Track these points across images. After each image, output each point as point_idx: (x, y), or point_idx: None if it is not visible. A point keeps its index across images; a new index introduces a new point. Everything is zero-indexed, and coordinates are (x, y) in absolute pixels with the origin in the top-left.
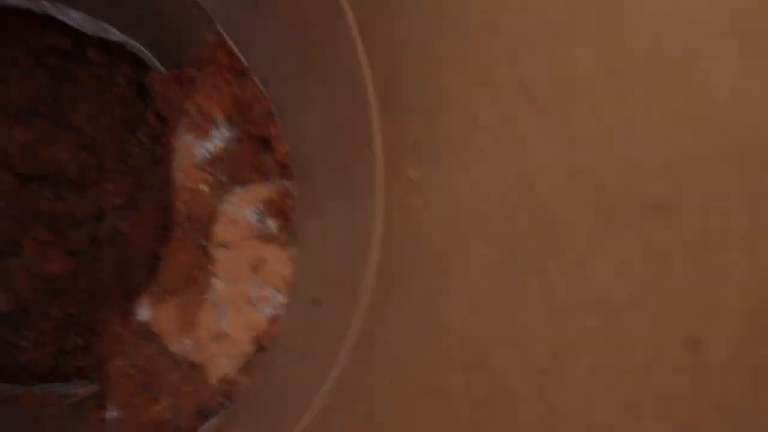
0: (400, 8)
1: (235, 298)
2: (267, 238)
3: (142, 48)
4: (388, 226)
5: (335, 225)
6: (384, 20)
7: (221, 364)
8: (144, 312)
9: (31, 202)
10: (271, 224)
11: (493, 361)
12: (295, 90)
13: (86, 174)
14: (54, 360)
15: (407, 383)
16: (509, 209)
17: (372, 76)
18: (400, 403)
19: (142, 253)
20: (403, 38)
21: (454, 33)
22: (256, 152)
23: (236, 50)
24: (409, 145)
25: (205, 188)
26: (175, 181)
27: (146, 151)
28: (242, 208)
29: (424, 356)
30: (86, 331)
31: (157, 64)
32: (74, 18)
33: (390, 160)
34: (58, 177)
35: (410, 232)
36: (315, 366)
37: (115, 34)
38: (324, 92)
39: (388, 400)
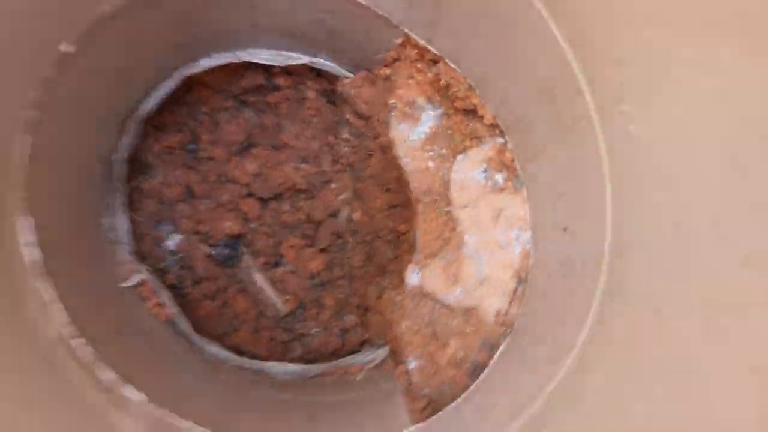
0: None
1: (487, 246)
2: (498, 190)
3: (326, 62)
4: (612, 153)
5: (558, 164)
6: None
7: (492, 303)
8: (414, 278)
9: (278, 218)
10: (498, 177)
11: None
12: (492, 64)
13: (311, 182)
14: (340, 339)
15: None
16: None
17: (565, 35)
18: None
19: (379, 233)
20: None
21: None
22: (465, 122)
23: (425, 44)
24: (615, 87)
25: (430, 164)
26: (403, 166)
27: (355, 147)
28: (469, 172)
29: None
30: (357, 309)
31: (343, 71)
32: (263, 57)
33: (600, 102)
34: (290, 191)
35: (634, 154)
36: (579, 282)
37: (299, 59)
38: (523, 61)
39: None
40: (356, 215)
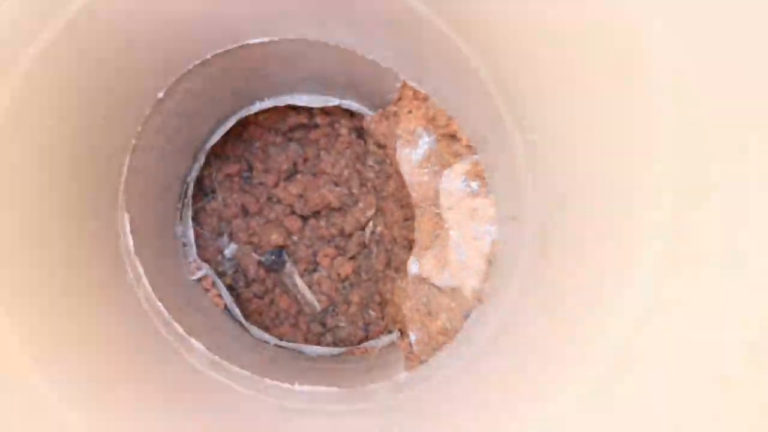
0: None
1: (466, 239)
2: (473, 195)
3: (352, 103)
4: (527, 157)
5: (503, 173)
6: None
7: (470, 282)
8: (414, 267)
9: (315, 232)
10: (473, 185)
11: None
12: (459, 102)
13: (343, 202)
14: (363, 331)
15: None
16: None
17: (490, 77)
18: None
19: (397, 241)
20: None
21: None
22: (450, 144)
23: (416, 86)
24: (520, 121)
25: (426, 178)
26: (406, 181)
27: (378, 172)
28: (453, 182)
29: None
30: (377, 306)
31: (366, 111)
32: (304, 100)
33: (516, 132)
34: (326, 209)
35: (543, 166)
36: (522, 254)
37: (333, 101)
38: (473, 100)
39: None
40: (379, 228)
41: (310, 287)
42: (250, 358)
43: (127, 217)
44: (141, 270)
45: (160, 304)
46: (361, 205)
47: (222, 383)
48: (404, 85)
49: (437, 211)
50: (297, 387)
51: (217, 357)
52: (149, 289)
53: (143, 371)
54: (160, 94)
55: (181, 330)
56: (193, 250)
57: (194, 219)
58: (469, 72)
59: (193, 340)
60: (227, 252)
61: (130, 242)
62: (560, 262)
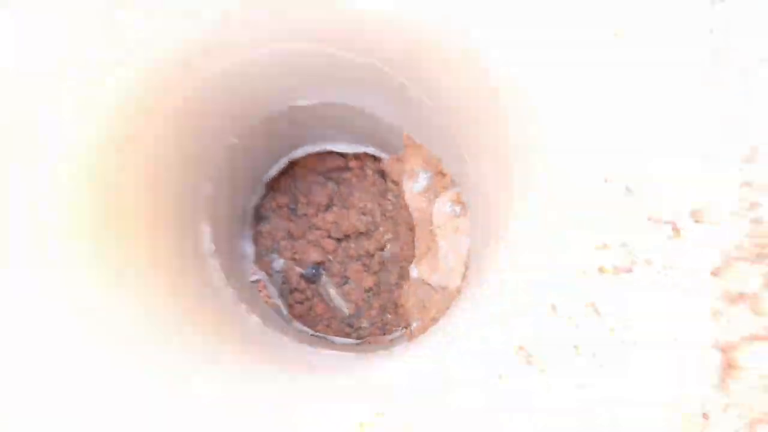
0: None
1: (451, 248)
2: (456, 216)
3: (375, 150)
4: (475, 186)
5: (469, 199)
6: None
7: (454, 282)
8: (414, 272)
9: (346, 252)
10: (456, 208)
11: None
12: (444, 149)
13: (368, 228)
14: (381, 330)
15: None
16: None
17: (456, 133)
18: None
19: (408, 259)
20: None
21: None
22: (440, 179)
23: (413, 137)
24: (474, 161)
25: (424, 205)
26: (410, 207)
27: (394, 204)
28: (443, 207)
29: None
30: (393, 311)
31: (385, 155)
32: (340, 147)
33: (471, 167)
34: (355, 234)
35: (482, 185)
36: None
37: (362, 148)
38: (446, 147)
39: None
40: (395, 249)
41: (341, 296)
42: (291, 335)
43: (208, 229)
44: (217, 264)
45: (230, 289)
46: (381, 229)
47: (269, 343)
48: (407, 137)
49: (431, 228)
50: (322, 351)
51: (267, 328)
52: (222, 276)
53: (213, 323)
54: (235, 140)
55: (243, 308)
56: (251, 259)
57: (252, 238)
58: (442, 128)
59: (252, 316)
60: (276, 266)
61: (212, 247)
62: (494, 259)
